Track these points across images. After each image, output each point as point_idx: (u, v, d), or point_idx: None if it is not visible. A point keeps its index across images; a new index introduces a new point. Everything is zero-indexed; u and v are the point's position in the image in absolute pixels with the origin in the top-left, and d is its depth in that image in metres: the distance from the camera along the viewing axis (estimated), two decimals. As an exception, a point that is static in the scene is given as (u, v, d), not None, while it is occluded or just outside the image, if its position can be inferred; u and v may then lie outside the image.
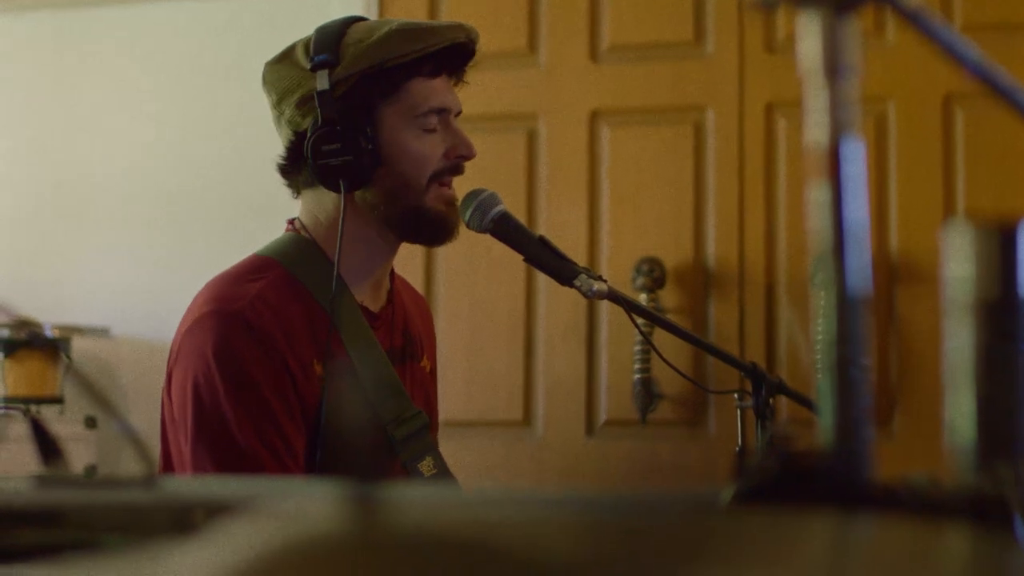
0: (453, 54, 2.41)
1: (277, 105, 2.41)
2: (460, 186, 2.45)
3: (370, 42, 2.33)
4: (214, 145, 4.63)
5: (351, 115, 2.33)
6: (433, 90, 2.39)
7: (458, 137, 2.42)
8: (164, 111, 4.72)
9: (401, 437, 2.39)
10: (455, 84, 2.47)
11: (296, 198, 2.49)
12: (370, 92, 2.34)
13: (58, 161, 4.83)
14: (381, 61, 2.32)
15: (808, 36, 0.99)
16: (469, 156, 2.43)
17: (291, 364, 2.28)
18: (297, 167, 2.40)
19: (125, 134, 4.75)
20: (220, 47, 4.67)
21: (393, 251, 2.48)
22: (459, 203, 2.43)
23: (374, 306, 2.48)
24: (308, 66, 2.34)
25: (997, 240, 0.93)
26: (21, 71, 4.91)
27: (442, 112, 2.40)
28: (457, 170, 2.43)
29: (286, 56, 2.41)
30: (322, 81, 2.32)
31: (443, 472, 2.46)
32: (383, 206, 2.39)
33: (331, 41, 2.34)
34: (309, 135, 2.33)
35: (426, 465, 2.42)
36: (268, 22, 4.50)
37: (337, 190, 2.35)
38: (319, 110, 2.32)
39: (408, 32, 2.35)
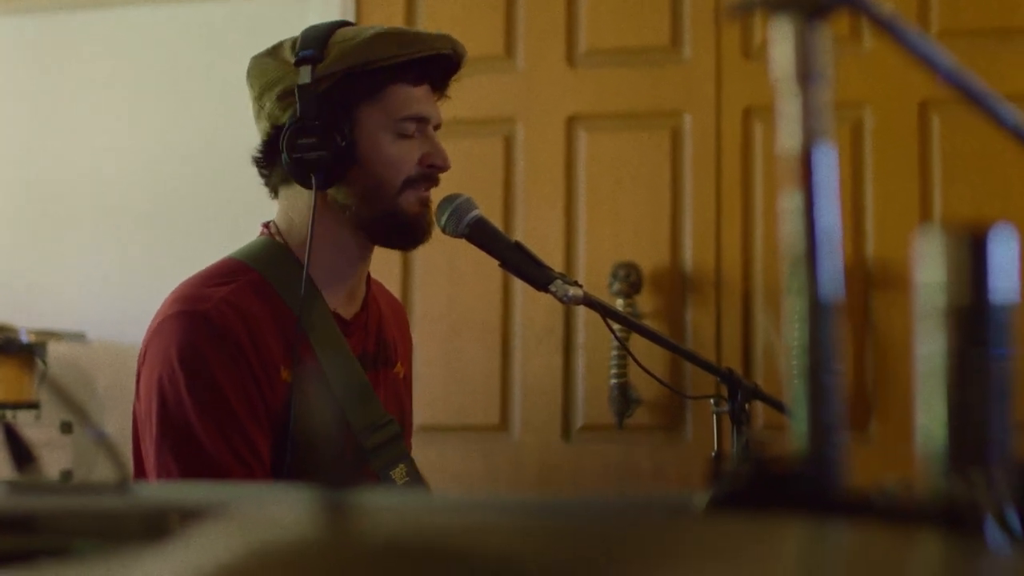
0: (437, 65, 2.42)
1: (259, 98, 2.41)
2: (439, 191, 2.45)
3: (356, 42, 2.34)
4: (191, 150, 4.63)
5: (330, 111, 2.34)
6: (414, 98, 2.40)
7: (434, 147, 2.43)
8: (141, 116, 4.71)
9: (373, 445, 2.39)
10: (437, 97, 2.47)
11: (274, 199, 2.49)
12: (351, 91, 2.35)
13: (34, 165, 4.81)
14: (365, 61, 2.33)
15: (781, 42, 0.99)
16: (443, 168, 2.43)
17: (256, 368, 2.29)
18: (272, 161, 2.41)
19: (102, 138, 4.74)
20: (197, 51, 4.66)
21: (366, 256, 2.48)
22: (435, 206, 2.43)
23: (348, 313, 2.47)
24: (293, 61, 2.35)
25: (969, 246, 0.93)
26: (-3, 75, 4.90)
27: (421, 121, 2.41)
28: (430, 180, 2.43)
29: (273, 51, 2.43)
30: (305, 76, 2.33)
31: (416, 479, 2.46)
32: (355, 207, 2.39)
33: (318, 39, 2.36)
34: (286, 127, 2.34)
35: (399, 473, 2.42)
36: (246, 26, 4.49)
37: (309, 185, 2.35)
38: (299, 104, 2.33)
39: (395, 36, 2.37)
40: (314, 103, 2.33)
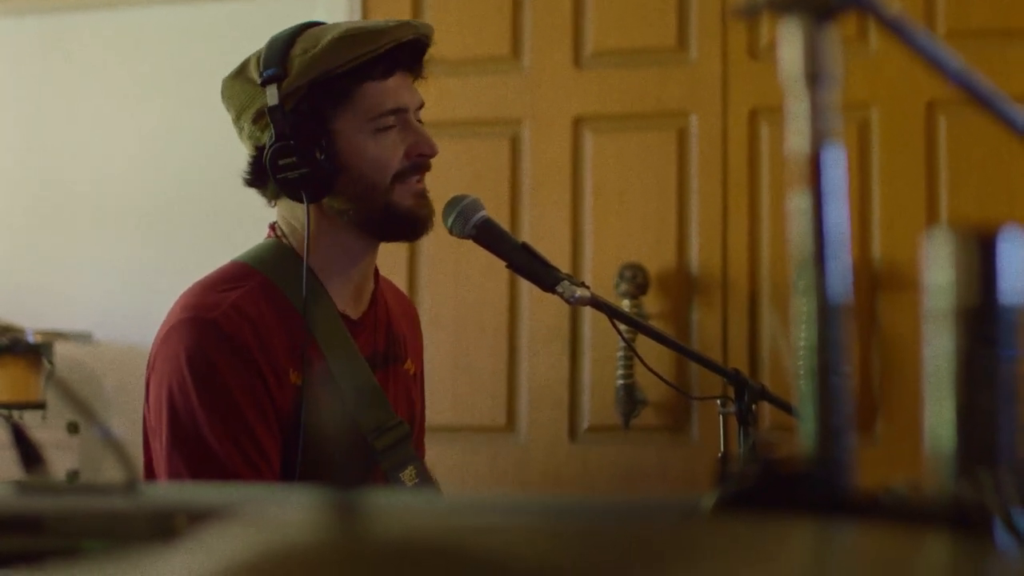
0: (403, 53, 2.39)
1: (236, 121, 2.41)
2: (445, 192, 2.45)
3: (314, 52, 2.32)
4: (197, 150, 4.63)
5: (304, 127, 2.32)
6: (387, 91, 2.38)
7: (418, 135, 2.41)
8: (147, 117, 4.71)
9: (382, 447, 2.39)
10: (413, 80, 2.45)
11: (272, 206, 2.48)
12: (321, 102, 2.33)
13: (40, 166, 4.82)
14: (327, 70, 2.31)
15: (789, 43, 0.99)
16: (430, 154, 2.42)
17: (266, 373, 2.28)
18: (262, 180, 2.40)
19: (108, 139, 4.74)
20: (202, 52, 4.65)
21: (371, 254, 2.48)
22: (438, 207, 2.43)
23: (355, 312, 2.47)
24: (259, 80, 2.34)
25: (978, 247, 0.93)
26: (3, 76, 4.90)
27: (399, 112, 2.40)
28: (420, 168, 2.42)
29: (241, 71, 2.41)
30: (272, 96, 2.31)
31: (425, 481, 2.45)
32: (352, 211, 2.38)
33: (279, 54, 2.34)
34: (266, 151, 2.33)
35: (408, 474, 2.42)
36: (253, 27, 4.48)
37: (301, 201, 2.35)
38: (272, 125, 2.32)
39: (352, 37, 2.33)
40: (287, 122, 2.31)
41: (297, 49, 2.34)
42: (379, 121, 2.37)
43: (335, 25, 2.41)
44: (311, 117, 2.33)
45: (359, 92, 2.35)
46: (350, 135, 2.35)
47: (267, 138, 2.34)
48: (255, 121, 2.35)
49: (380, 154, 2.37)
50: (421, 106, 2.44)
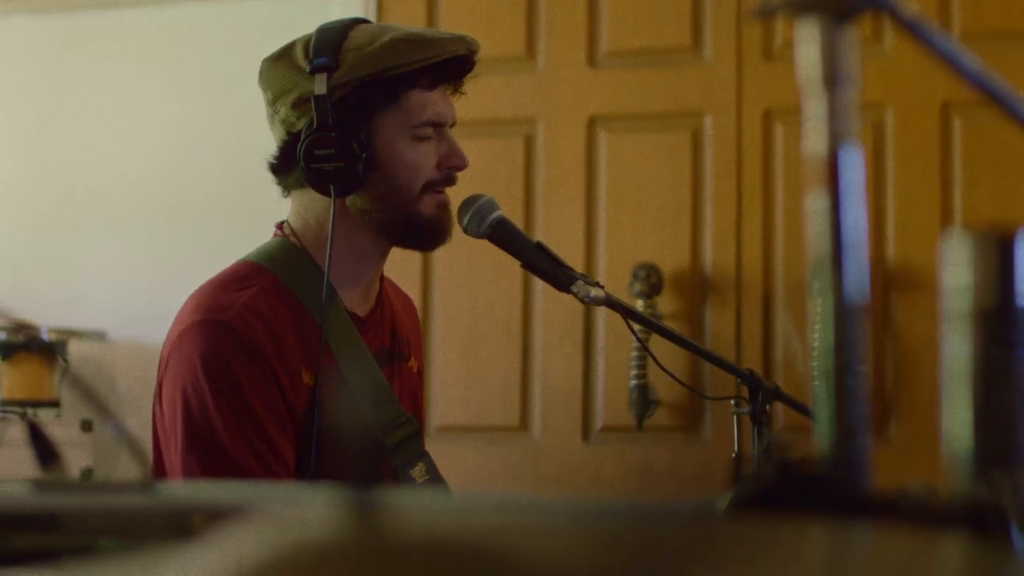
0: (453, 66, 2.40)
1: (272, 103, 2.39)
2: (458, 191, 2.45)
3: (371, 49, 2.32)
4: (212, 149, 4.63)
5: (347, 121, 2.32)
6: (430, 101, 2.38)
7: (451, 148, 2.41)
8: (161, 116, 4.72)
9: (393, 444, 2.39)
10: (451, 94, 2.46)
11: (285, 197, 2.47)
12: (368, 99, 2.33)
13: (56, 165, 4.82)
14: (381, 69, 2.31)
15: (806, 44, 0.99)
16: (461, 167, 2.42)
17: (279, 374, 2.27)
18: (288, 167, 2.39)
19: (123, 138, 4.75)
20: (217, 52, 4.66)
21: (384, 257, 2.48)
22: (454, 207, 2.43)
23: (362, 310, 2.47)
24: (307, 67, 2.33)
25: (995, 248, 0.93)
26: (19, 75, 4.91)
27: (438, 125, 2.40)
28: (449, 181, 2.42)
29: (285, 55, 2.40)
30: (320, 85, 2.31)
31: (435, 478, 2.45)
32: (375, 212, 2.38)
33: (332, 44, 2.33)
34: (303, 138, 2.32)
35: (418, 471, 2.42)
36: (266, 25, 4.49)
37: (327, 194, 2.34)
38: (315, 113, 2.31)
39: (411, 42, 2.34)
40: (330, 113, 2.31)
41: (351, 43, 2.34)
42: (419, 129, 2.37)
43: (390, 26, 2.41)
44: (355, 111, 2.33)
45: (405, 97, 2.36)
46: (389, 136, 2.36)
47: (303, 125, 2.33)
48: (294, 107, 2.35)
49: (415, 159, 2.37)
50: (455, 123, 2.45)
